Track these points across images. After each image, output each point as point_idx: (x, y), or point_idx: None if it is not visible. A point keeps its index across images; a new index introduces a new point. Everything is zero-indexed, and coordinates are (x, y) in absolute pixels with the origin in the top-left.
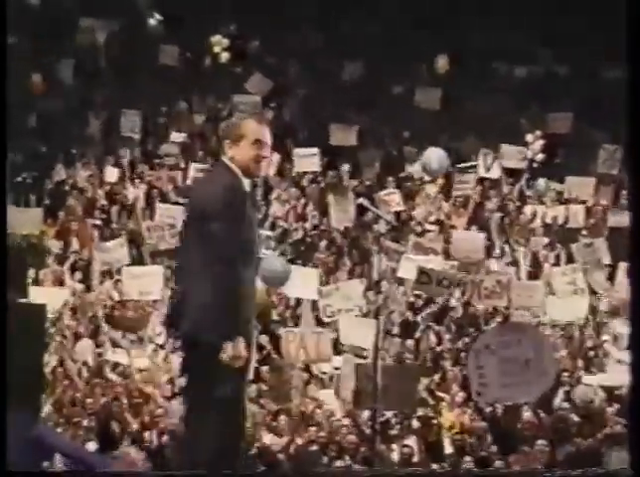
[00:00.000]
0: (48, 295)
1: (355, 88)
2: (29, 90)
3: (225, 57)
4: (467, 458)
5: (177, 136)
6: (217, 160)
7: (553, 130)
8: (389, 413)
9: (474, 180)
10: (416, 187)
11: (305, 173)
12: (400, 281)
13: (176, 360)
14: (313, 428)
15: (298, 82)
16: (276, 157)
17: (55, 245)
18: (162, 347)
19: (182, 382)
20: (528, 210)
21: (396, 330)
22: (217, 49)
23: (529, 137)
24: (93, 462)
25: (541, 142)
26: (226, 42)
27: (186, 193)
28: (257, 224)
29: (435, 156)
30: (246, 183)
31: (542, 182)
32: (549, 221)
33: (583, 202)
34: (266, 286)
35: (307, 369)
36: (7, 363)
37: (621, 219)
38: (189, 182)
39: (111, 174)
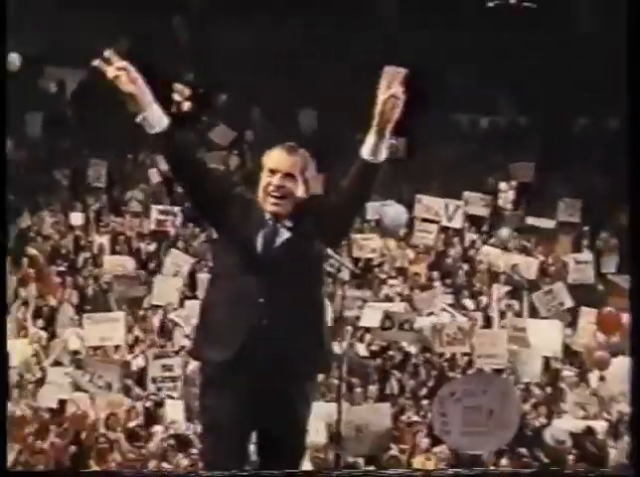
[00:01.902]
0: (11, 344)
1: (315, 137)
2: None
3: (186, 106)
4: None
5: (141, 186)
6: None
7: (515, 179)
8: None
9: (436, 229)
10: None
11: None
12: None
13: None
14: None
15: (260, 132)
16: None
17: (19, 293)
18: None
19: None
20: (490, 257)
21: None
22: (177, 97)
23: (502, 186)
24: None
25: (512, 191)
26: (187, 91)
27: None
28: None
29: (392, 212)
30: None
31: (505, 230)
32: (509, 269)
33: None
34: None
35: None
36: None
37: (583, 267)
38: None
39: (77, 221)
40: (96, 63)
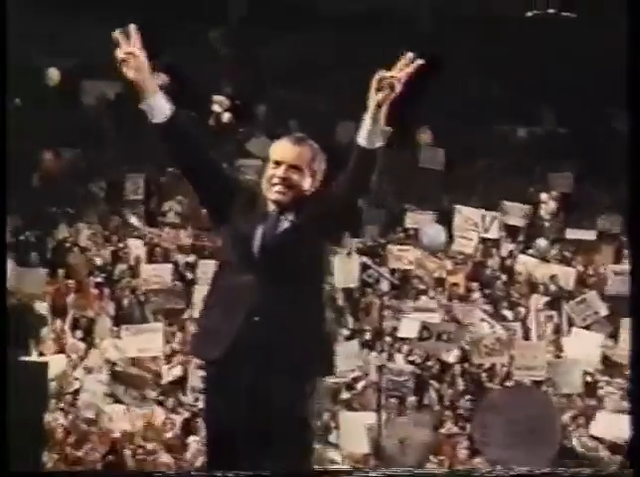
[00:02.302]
0: (50, 353)
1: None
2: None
3: (226, 117)
4: None
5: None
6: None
7: (554, 189)
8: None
9: (477, 237)
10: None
11: None
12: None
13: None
14: None
15: None
16: None
17: (56, 304)
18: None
19: None
20: (528, 268)
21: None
22: (217, 108)
23: (543, 196)
24: None
25: (553, 201)
26: (226, 102)
27: None
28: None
29: (432, 232)
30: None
31: (543, 241)
32: (548, 280)
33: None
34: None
35: None
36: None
37: (622, 278)
38: None
39: (114, 232)
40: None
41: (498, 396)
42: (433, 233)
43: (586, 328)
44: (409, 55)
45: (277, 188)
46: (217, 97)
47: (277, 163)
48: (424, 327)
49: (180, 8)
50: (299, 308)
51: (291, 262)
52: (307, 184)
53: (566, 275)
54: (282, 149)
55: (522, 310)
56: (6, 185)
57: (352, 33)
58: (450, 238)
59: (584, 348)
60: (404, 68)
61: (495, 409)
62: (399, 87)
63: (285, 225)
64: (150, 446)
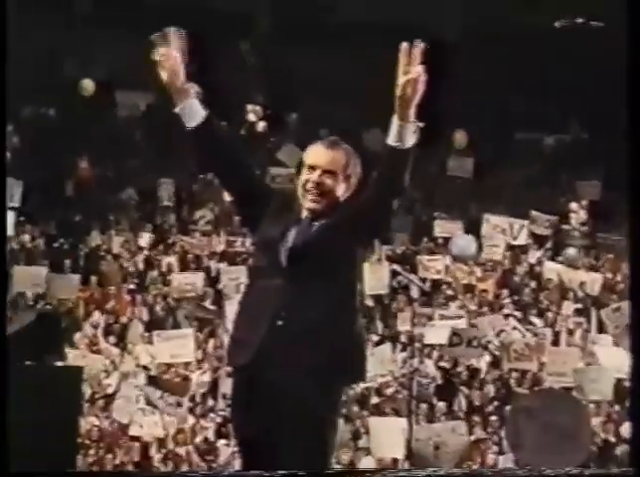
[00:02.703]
0: (84, 359)
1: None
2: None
3: (261, 126)
4: None
5: (210, 206)
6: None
7: (582, 198)
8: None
9: (504, 244)
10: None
11: None
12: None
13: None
14: None
15: None
16: None
17: (89, 310)
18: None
19: None
20: (557, 275)
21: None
22: (252, 117)
23: (573, 206)
24: None
25: (583, 211)
26: (261, 111)
27: None
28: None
29: (462, 243)
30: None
31: (572, 250)
32: (576, 286)
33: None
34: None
35: None
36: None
37: None
38: None
39: (146, 240)
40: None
41: (531, 398)
42: (464, 243)
43: (616, 336)
44: (420, 45)
45: (312, 194)
46: (251, 107)
47: (312, 168)
48: (454, 333)
49: (210, 19)
50: (329, 312)
51: (322, 266)
52: (342, 189)
53: (593, 282)
54: (316, 154)
55: (551, 316)
56: (6, 185)
57: (380, 42)
58: (479, 246)
59: (616, 355)
60: (414, 61)
61: (528, 412)
62: (422, 83)
63: (316, 228)
64: (181, 451)
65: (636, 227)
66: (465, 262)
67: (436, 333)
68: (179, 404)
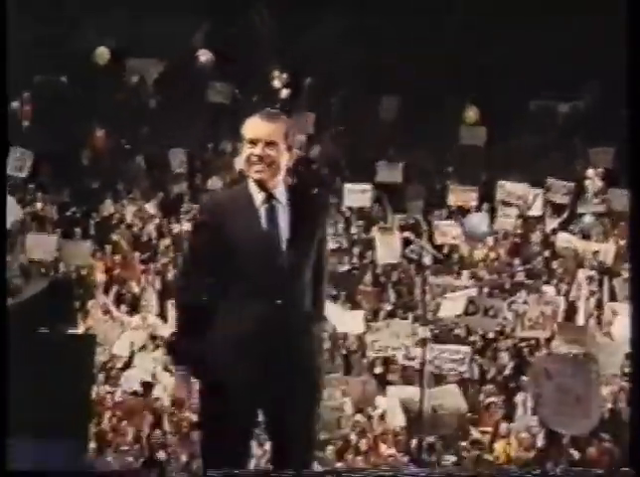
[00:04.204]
0: (97, 326)
1: (397, 126)
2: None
3: (285, 93)
4: None
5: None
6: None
7: (595, 165)
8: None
9: (516, 213)
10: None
11: (351, 208)
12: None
13: None
14: (359, 458)
15: (341, 119)
16: None
17: (102, 278)
18: None
19: None
20: (571, 244)
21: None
22: (277, 84)
23: (589, 172)
24: None
25: (599, 178)
26: (285, 77)
27: None
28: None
29: (475, 221)
30: (259, 196)
31: (587, 217)
32: (590, 255)
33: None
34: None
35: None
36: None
37: None
38: None
39: (158, 209)
40: None
41: (548, 360)
42: (476, 221)
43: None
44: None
45: (257, 167)
46: (277, 73)
47: (253, 142)
48: (470, 301)
49: None
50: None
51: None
52: (285, 159)
53: (606, 251)
54: (256, 127)
55: (565, 286)
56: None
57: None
58: (492, 214)
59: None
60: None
61: (546, 373)
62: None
63: (280, 209)
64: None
65: (636, 226)
66: (478, 240)
67: (451, 301)
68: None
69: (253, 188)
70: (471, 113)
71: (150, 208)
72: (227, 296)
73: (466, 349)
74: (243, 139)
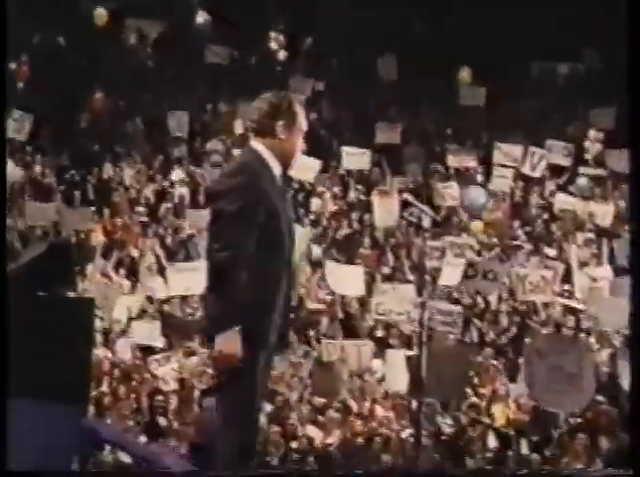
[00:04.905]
0: (96, 290)
1: (396, 87)
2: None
3: (282, 55)
4: (509, 452)
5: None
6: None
7: (595, 126)
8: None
9: (512, 175)
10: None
11: (349, 171)
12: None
13: None
14: (359, 422)
15: (339, 81)
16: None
17: (101, 242)
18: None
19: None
20: (569, 206)
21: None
22: (274, 46)
23: (591, 134)
24: (144, 454)
25: (599, 140)
26: (283, 39)
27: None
28: (290, 217)
29: (473, 194)
30: (278, 171)
31: (583, 179)
32: (587, 217)
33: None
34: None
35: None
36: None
37: None
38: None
39: (156, 171)
40: None
41: (541, 340)
42: (475, 194)
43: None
44: None
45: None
46: (275, 35)
47: (303, 133)
48: (470, 264)
49: None
50: None
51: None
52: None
53: (604, 214)
54: (305, 120)
55: (564, 248)
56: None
57: None
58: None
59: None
60: None
61: (538, 353)
62: None
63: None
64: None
65: (636, 225)
66: (476, 214)
67: (451, 269)
68: (191, 337)
69: (272, 161)
70: (464, 74)
71: (150, 171)
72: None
73: (458, 309)
74: (294, 124)
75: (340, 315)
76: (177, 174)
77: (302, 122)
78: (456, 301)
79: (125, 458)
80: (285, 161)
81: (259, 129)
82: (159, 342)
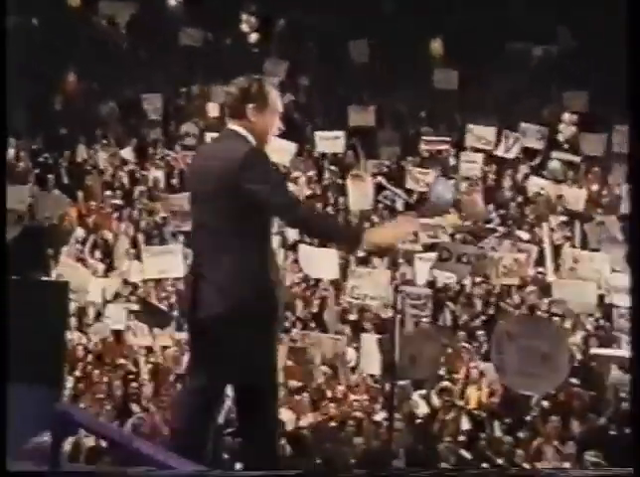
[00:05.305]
0: (70, 273)
1: (370, 70)
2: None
3: (253, 37)
4: (482, 434)
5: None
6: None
7: (568, 108)
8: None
9: (482, 159)
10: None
11: (324, 154)
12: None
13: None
14: (332, 405)
15: (314, 65)
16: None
17: (75, 225)
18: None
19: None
20: (541, 189)
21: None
22: (245, 28)
23: (565, 116)
24: (118, 438)
25: (573, 122)
26: (254, 21)
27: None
28: None
29: (440, 188)
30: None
31: (555, 162)
32: (560, 201)
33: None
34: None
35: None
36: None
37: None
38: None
39: (131, 155)
40: None
41: (512, 323)
42: (441, 188)
43: (598, 250)
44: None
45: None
46: (246, 17)
47: (278, 114)
48: (444, 248)
49: None
50: None
51: None
52: None
53: (577, 197)
54: (279, 100)
55: (536, 231)
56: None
57: None
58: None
59: (597, 269)
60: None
61: (509, 336)
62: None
63: None
64: (169, 364)
65: (636, 224)
66: (443, 208)
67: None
68: (167, 320)
69: (250, 139)
70: (436, 45)
71: (124, 154)
72: None
73: (427, 291)
74: (267, 106)
75: (315, 299)
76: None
77: (275, 103)
78: (429, 285)
79: (97, 442)
80: (260, 141)
81: (232, 113)
82: (133, 325)
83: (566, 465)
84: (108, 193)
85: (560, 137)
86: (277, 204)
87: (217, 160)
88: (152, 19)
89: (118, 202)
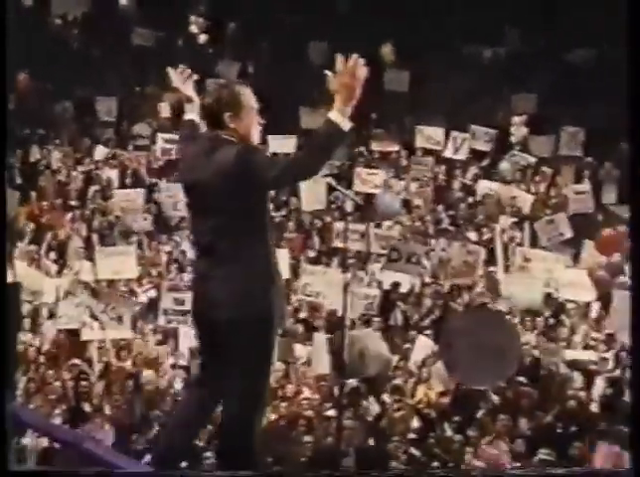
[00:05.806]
0: (23, 275)
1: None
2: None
3: (202, 38)
4: (431, 433)
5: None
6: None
7: (517, 111)
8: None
9: (432, 161)
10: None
11: (275, 154)
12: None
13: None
14: (283, 404)
15: (267, 65)
16: None
17: (28, 226)
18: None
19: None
20: (491, 190)
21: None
22: (194, 29)
23: (515, 119)
24: (67, 439)
25: (523, 125)
26: (203, 23)
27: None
28: None
29: (386, 200)
30: None
31: (505, 163)
32: (509, 202)
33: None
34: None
35: None
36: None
37: (583, 197)
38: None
39: (86, 154)
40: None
41: (460, 318)
42: (388, 200)
43: (547, 249)
44: (357, 59)
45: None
46: (194, 18)
47: (254, 109)
48: (393, 248)
49: None
50: None
51: None
52: None
53: (525, 200)
54: (252, 95)
55: (486, 232)
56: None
57: None
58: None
59: (548, 268)
60: (355, 70)
61: (458, 332)
62: (358, 92)
63: None
64: (127, 364)
65: (636, 223)
66: (390, 219)
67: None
68: (121, 319)
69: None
70: (387, 49)
71: (78, 154)
72: None
73: (375, 292)
74: (242, 108)
75: None
76: (100, 152)
77: (249, 103)
78: (378, 285)
79: (47, 443)
80: (245, 142)
81: (211, 122)
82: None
83: (517, 464)
84: (63, 193)
85: (513, 139)
86: (276, 175)
87: (212, 165)
88: (104, 18)
89: (71, 202)
